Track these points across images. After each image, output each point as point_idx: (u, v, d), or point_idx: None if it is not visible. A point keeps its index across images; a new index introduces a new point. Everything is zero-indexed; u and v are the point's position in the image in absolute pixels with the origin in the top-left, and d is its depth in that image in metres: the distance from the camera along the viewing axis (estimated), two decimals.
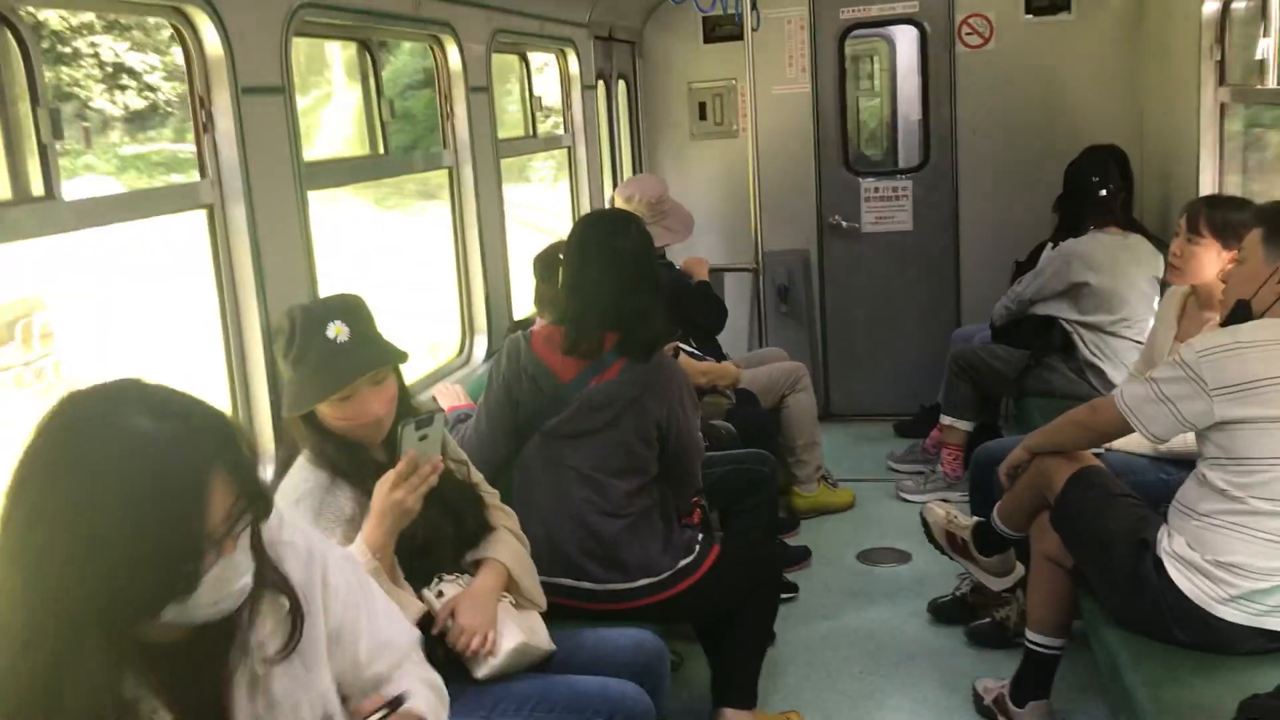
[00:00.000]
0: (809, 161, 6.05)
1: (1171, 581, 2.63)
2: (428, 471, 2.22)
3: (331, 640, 1.62)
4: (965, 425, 5.03)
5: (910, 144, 6.50)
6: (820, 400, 5.41)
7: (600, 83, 5.58)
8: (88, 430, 1.32)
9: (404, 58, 5.70)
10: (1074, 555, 3.00)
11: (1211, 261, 3.48)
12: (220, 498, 1.34)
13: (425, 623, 2.31)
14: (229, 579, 1.38)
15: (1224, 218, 3.46)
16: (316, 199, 2.98)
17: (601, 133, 5.60)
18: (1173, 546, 2.67)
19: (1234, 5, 4.39)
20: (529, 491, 3.03)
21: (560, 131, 5.28)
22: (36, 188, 2.19)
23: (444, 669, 1.99)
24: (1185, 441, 2.86)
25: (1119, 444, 3.33)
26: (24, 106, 2.21)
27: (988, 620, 3.82)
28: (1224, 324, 2.80)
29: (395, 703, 1.65)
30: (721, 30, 5.93)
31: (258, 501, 1.41)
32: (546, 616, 2.62)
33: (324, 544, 1.70)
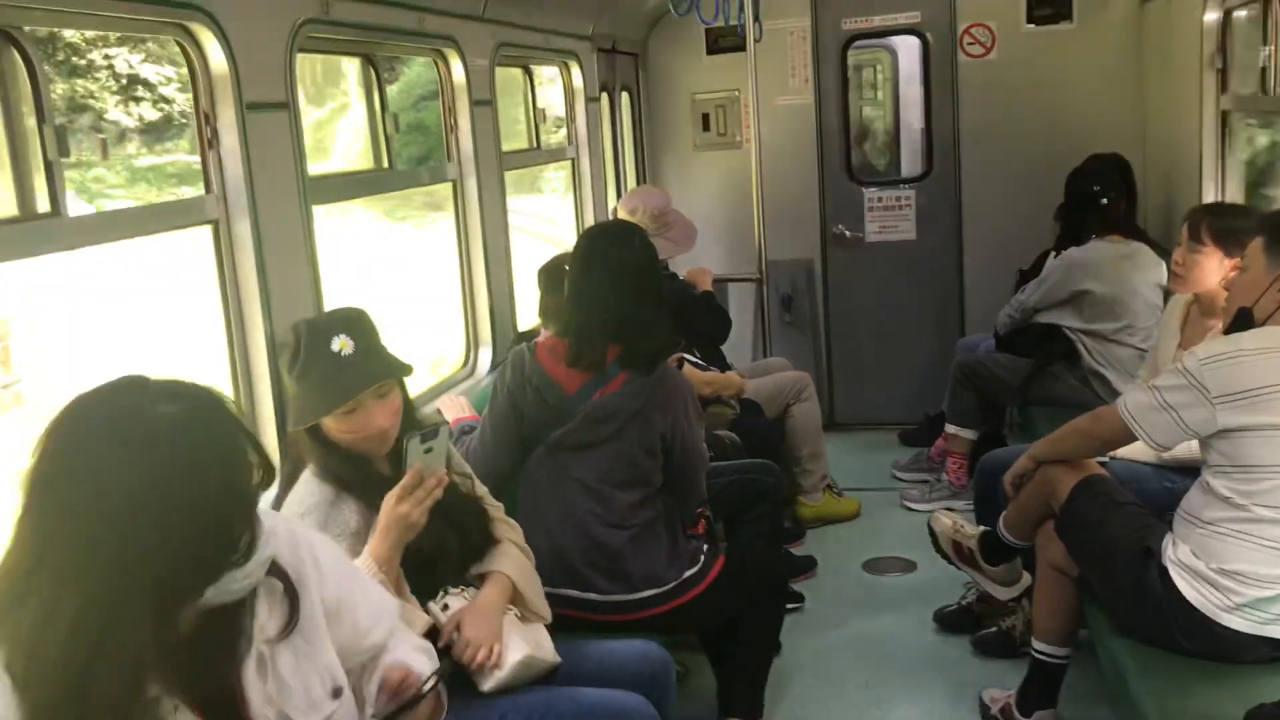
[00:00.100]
0: (812, 171, 6.06)
1: (1176, 590, 2.63)
2: (433, 485, 2.23)
3: (331, 614, 1.69)
4: (970, 434, 5.03)
5: (913, 153, 6.51)
6: (825, 409, 5.41)
7: (604, 95, 5.60)
8: (124, 420, 1.38)
9: (418, 68, 5.74)
10: (1079, 564, 3.00)
11: (1214, 269, 3.48)
12: (249, 466, 1.45)
13: (431, 636, 2.32)
14: (260, 548, 1.47)
15: (1226, 225, 3.46)
16: (327, 212, 2.99)
17: (605, 144, 5.62)
18: (1177, 555, 2.67)
19: (1235, 14, 4.40)
20: (534, 503, 3.04)
21: (564, 144, 5.30)
22: (42, 204, 2.21)
23: (450, 682, 2.00)
24: (1189, 449, 2.86)
25: (1123, 452, 3.33)
26: (30, 123, 2.23)
27: (994, 629, 3.81)
28: (1226, 332, 2.79)
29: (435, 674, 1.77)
30: (724, 42, 5.95)
31: (269, 470, 1.50)
32: (551, 628, 2.62)
33: (302, 527, 1.78)
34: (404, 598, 2.27)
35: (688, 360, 4.27)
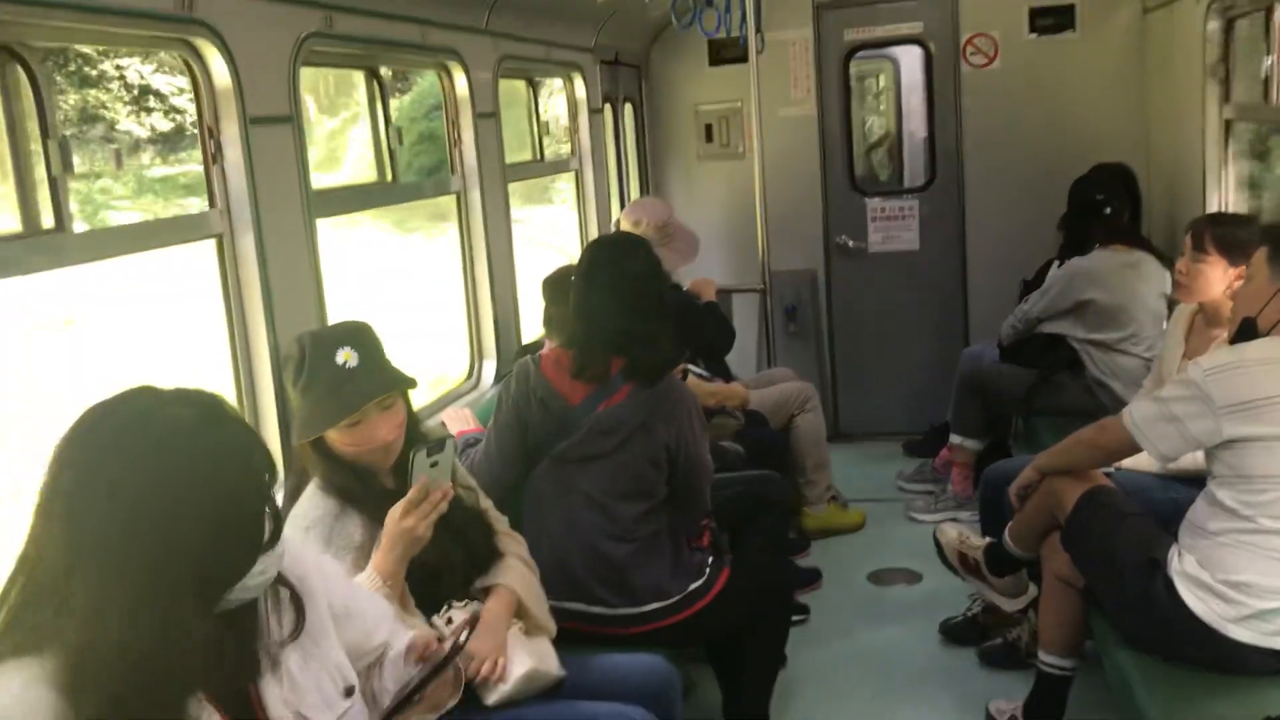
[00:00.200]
0: (815, 182, 6.06)
1: (1182, 601, 2.62)
2: (438, 498, 2.22)
3: (340, 617, 1.77)
4: (974, 444, 5.03)
5: (916, 163, 6.52)
6: (829, 420, 5.41)
7: (607, 106, 5.62)
8: (141, 424, 1.44)
9: (430, 79, 5.81)
10: (1085, 575, 2.99)
11: (1218, 279, 3.48)
12: (262, 460, 1.53)
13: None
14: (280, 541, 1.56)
15: (1229, 235, 3.46)
16: (335, 225, 3.00)
17: (608, 156, 5.63)
18: (1183, 566, 2.66)
19: (1238, 23, 4.40)
20: (538, 516, 3.04)
21: (568, 155, 5.31)
22: (47, 220, 2.21)
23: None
24: (1194, 460, 2.85)
25: (1128, 463, 3.32)
26: (35, 138, 2.23)
27: (1000, 641, 3.80)
28: (1231, 342, 2.79)
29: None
30: (727, 53, 5.95)
31: (274, 467, 1.57)
32: (556, 642, 2.62)
33: (297, 539, 1.89)
34: (408, 612, 2.26)
35: (692, 371, 4.27)
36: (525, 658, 2.44)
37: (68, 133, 2.24)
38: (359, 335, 2.45)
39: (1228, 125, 4.49)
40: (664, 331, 3.05)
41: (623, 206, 5.57)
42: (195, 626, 1.41)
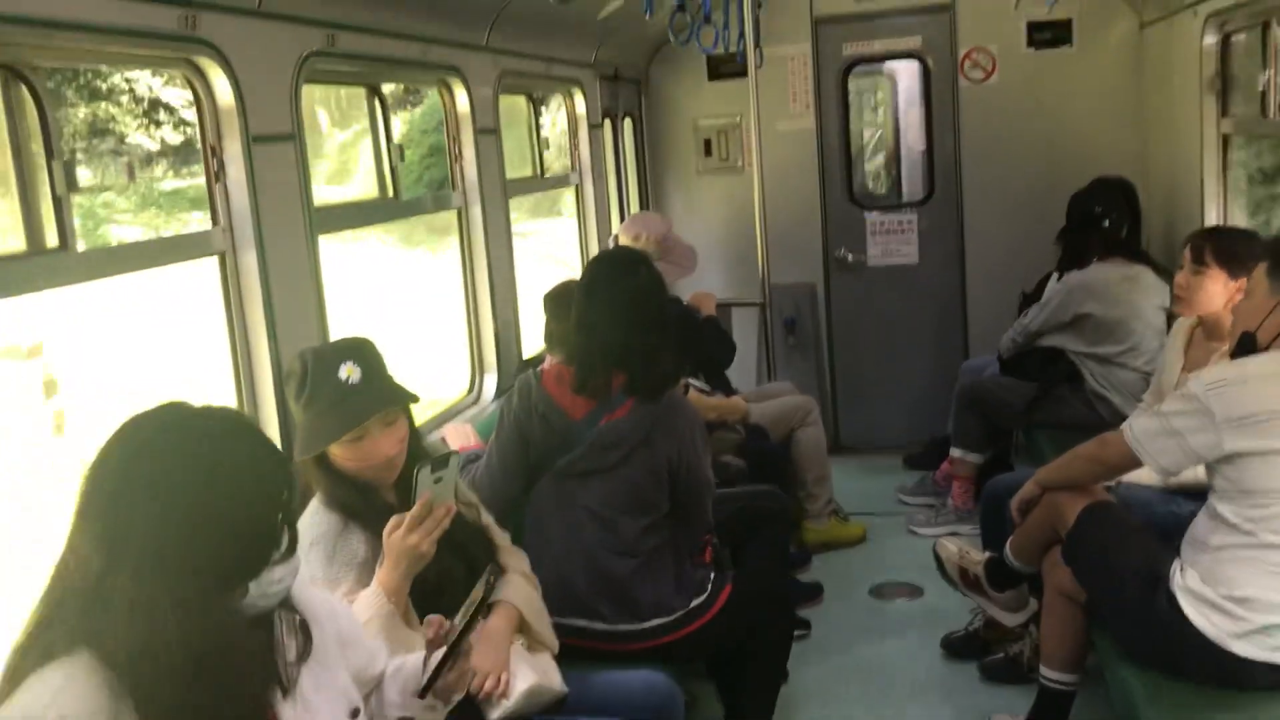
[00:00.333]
0: (814, 196, 6.08)
1: (1185, 616, 2.62)
2: (441, 515, 2.22)
3: (348, 643, 1.84)
4: (975, 458, 5.02)
5: (915, 177, 6.54)
6: (829, 433, 5.40)
7: (607, 121, 5.64)
8: (175, 433, 1.54)
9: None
10: (1087, 590, 2.99)
11: (1219, 292, 3.48)
12: (282, 470, 1.64)
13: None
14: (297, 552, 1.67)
15: (1230, 248, 3.47)
16: (341, 241, 3.01)
17: (608, 171, 5.65)
18: (1185, 581, 2.66)
19: (1235, 37, 4.42)
20: (540, 531, 3.04)
21: (568, 170, 5.33)
22: (51, 239, 2.22)
23: (457, 711, 2.00)
24: (1196, 473, 2.85)
25: (1129, 477, 3.31)
26: (39, 157, 2.25)
27: (1001, 655, 3.79)
28: (1232, 356, 2.80)
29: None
30: (725, 68, 5.97)
31: (293, 480, 1.68)
32: (558, 658, 2.62)
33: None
34: (412, 628, 2.26)
35: (692, 385, 4.28)
36: (528, 673, 2.44)
37: (78, 146, 2.25)
38: (361, 351, 2.45)
39: (1225, 139, 4.51)
40: (666, 347, 3.05)
41: (623, 221, 5.58)
42: (239, 622, 1.53)
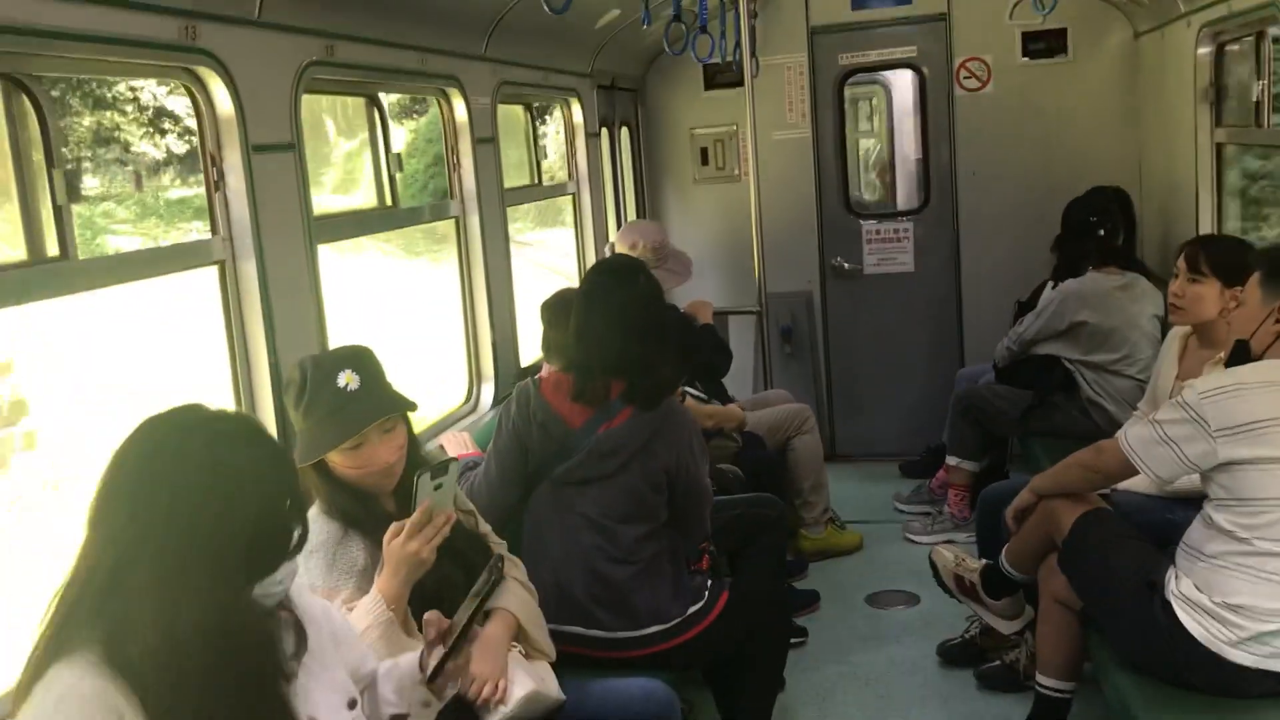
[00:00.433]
0: (810, 204, 6.10)
1: (1180, 624, 2.63)
2: (441, 522, 2.23)
3: (341, 640, 1.88)
4: (970, 466, 5.03)
5: (910, 186, 6.56)
6: (825, 441, 5.41)
7: (604, 130, 5.65)
8: (192, 434, 1.58)
9: None
10: (1083, 598, 3.00)
11: (1214, 300, 3.50)
12: (291, 470, 1.72)
13: None
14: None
15: (1223, 256, 3.49)
16: (341, 251, 3.02)
17: (605, 179, 5.67)
18: (1180, 589, 2.67)
19: (1228, 47, 4.45)
20: (538, 539, 3.04)
21: (565, 179, 5.35)
22: (52, 248, 2.23)
23: (455, 717, 2.01)
24: (1192, 480, 2.86)
25: (1125, 484, 3.33)
26: (40, 167, 2.25)
27: (998, 663, 3.79)
28: (1226, 365, 2.81)
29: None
30: (722, 78, 6.00)
31: (300, 481, 1.76)
32: (555, 666, 2.62)
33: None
34: (411, 636, 2.27)
35: (689, 393, 4.29)
36: (526, 679, 2.44)
37: (83, 155, 2.27)
38: (360, 359, 2.46)
39: (1219, 148, 4.53)
40: (664, 355, 3.07)
41: (619, 229, 5.60)
42: (256, 611, 1.60)
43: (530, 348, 4.32)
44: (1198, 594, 2.63)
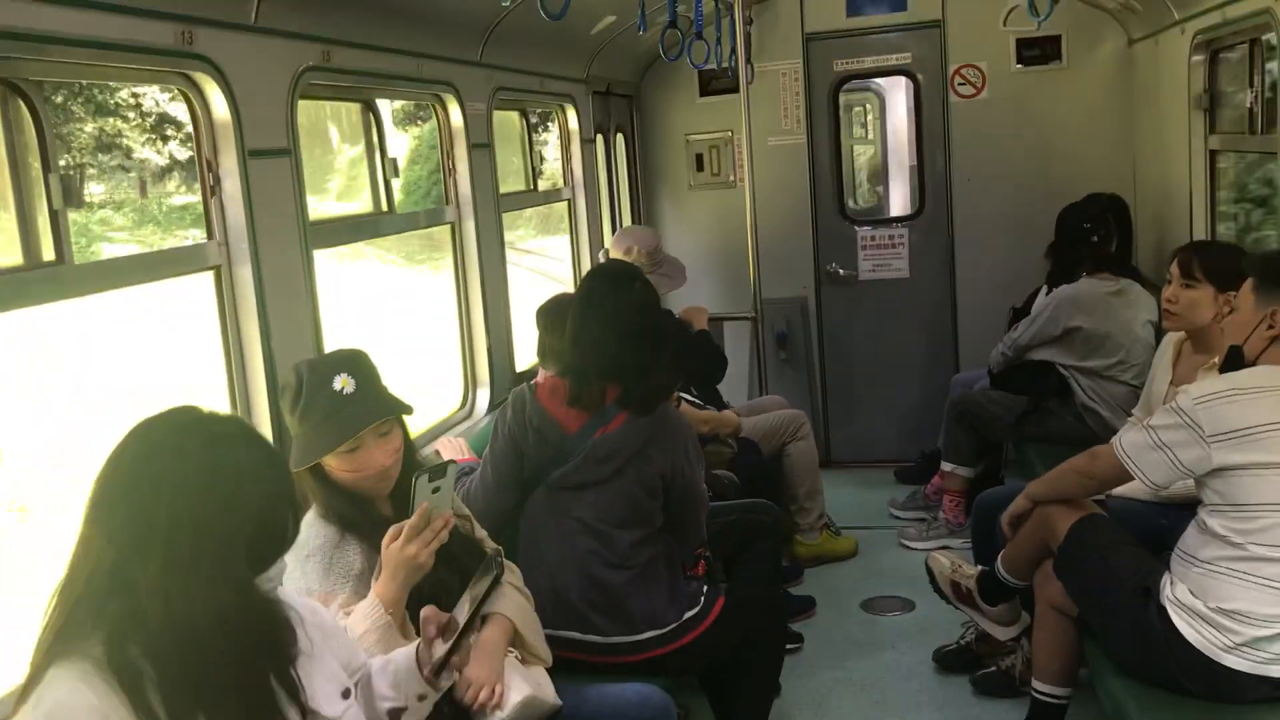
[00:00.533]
0: (805, 210, 6.11)
1: (1176, 629, 2.64)
2: (440, 526, 2.22)
3: (330, 635, 1.89)
4: (965, 472, 5.04)
5: (905, 192, 6.57)
6: (821, 447, 5.41)
7: (599, 136, 5.66)
8: (189, 433, 1.60)
9: None
10: (1078, 603, 3.00)
11: (1208, 305, 3.50)
12: (285, 466, 1.76)
13: None
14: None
15: (1217, 261, 3.50)
16: (339, 257, 3.02)
17: (601, 185, 5.67)
18: (1175, 594, 2.68)
19: (1222, 55, 4.47)
20: (534, 544, 3.04)
21: (560, 184, 5.36)
22: (48, 253, 2.23)
23: None
24: (1187, 485, 2.87)
25: (1120, 489, 3.33)
26: (36, 171, 2.25)
27: (993, 669, 3.79)
28: (1221, 371, 2.82)
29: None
30: (717, 84, 6.01)
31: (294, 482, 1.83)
32: (551, 671, 2.61)
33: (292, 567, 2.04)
34: (409, 639, 2.26)
35: (685, 399, 4.29)
36: (522, 685, 2.44)
37: (84, 161, 2.27)
38: (356, 362, 2.46)
39: (1213, 155, 4.55)
40: (659, 361, 3.07)
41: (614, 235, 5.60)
42: (258, 601, 1.63)
43: (526, 353, 4.33)
44: (1192, 599, 2.64)
